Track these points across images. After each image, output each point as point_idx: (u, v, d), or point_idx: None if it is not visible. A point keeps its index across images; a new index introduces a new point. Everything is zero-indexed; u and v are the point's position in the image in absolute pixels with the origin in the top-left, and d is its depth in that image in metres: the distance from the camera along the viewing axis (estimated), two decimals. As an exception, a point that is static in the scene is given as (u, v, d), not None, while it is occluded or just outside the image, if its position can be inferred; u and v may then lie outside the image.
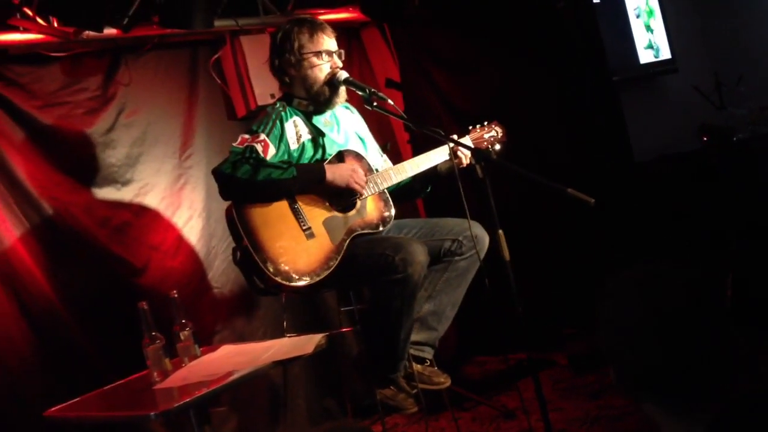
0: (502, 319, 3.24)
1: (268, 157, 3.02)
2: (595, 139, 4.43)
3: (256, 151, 2.98)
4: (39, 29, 3.37)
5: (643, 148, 4.66)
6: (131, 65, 3.85)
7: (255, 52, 4.04)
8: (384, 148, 3.57)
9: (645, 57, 5.28)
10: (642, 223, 4.29)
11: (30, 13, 3.32)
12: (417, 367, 3.17)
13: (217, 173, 3.00)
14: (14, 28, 3.36)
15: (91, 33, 3.38)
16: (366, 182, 3.13)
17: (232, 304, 4.01)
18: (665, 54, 5.37)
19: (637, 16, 5.28)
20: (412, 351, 3.16)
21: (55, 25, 3.39)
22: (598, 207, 2.62)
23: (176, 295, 2.99)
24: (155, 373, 2.82)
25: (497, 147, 3.40)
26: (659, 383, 1.29)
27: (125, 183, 3.78)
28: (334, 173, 3.06)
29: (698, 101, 4.99)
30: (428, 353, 3.23)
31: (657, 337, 1.29)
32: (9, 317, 3.30)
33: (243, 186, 2.94)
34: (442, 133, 3.09)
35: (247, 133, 3.08)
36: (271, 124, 3.09)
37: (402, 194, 3.37)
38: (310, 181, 3.03)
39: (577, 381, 4.01)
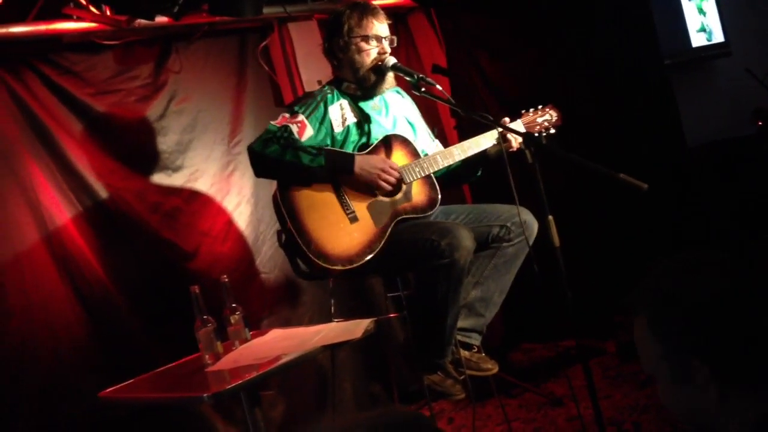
0: (551, 307, 3.21)
1: (304, 139, 3.04)
2: (646, 124, 4.36)
3: (290, 131, 3.01)
4: (92, 18, 3.43)
5: (695, 134, 4.57)
6: (181, 53, 3.90)
7: (302, 39, 4.06)
8: (432, 134, 3.56)
9: (697, 40, 5.18)
10: (694, 209, 4.21)
11: (83, 2, 3.38)
12: (464, 353, 3.16)
13: (249, 150, 3.07)
14: (68, 17, 3.42)
15: (143, 21, 3.42)
16: (401, 175, 3.10)
17: (279, 289, 4.05)
18: (718, 37, 5.25)
19: (689, -1, 5.17)
20: (459, 337, 3.15)
21: (108, 13, 3.44)
22: (650, 193, 2.58)
23: (227, 280, 3.03)
24: (207, 356, 2.86)
25: (552, 131, 3.35)
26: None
27: (176, 169, 3.83)
28: (363, 167, 3.04)
29: (752, 85, 4.87)
30: (475, 339, 3.22)
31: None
32: (64, 300, 3.38)
33: (270, 164, 2.98)
34: (491, 118, 3.06)
35: (287, 111, 3.11)
36: (314, 105, 3.11)
37: (450, 179, 3.36)
38: (338, 172, 3.04)
39: (626, 369, 3.96)
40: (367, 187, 3.08)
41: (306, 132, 3.04)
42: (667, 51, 4.66)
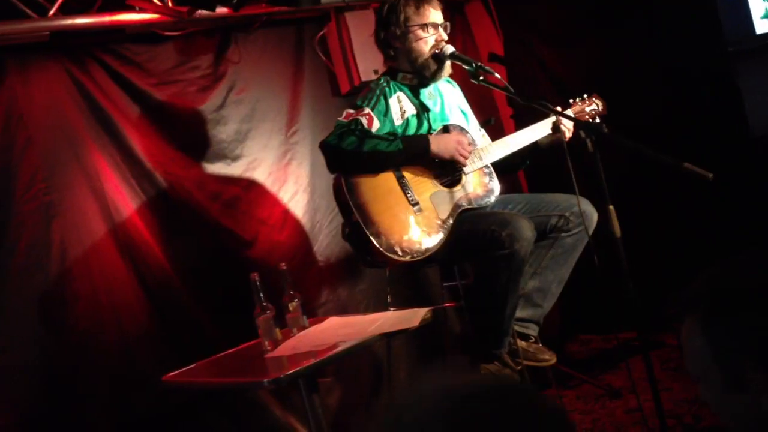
0: (610, 298, 3.17)
1: (373, 130, 3.05)
2: (710, 113, 4.26)
3: (361, 124, 3.01)
4: (154, 9, 3.49)
5: (760, 123, 4.44)
6: (240, 43, 3.94)
7: (359, 28, 4.06)
8: (486, 123, 3.54)
9: (762, 27, 5.02)
10: (758, 199, 4.10)
11: (146, -7, 3.44)
12: (521, 343, 3.15)
13: (324, 145, 3.05)
14: (131, 8, 3.48)
15: (204, 12, 3.47)
16: (471, 152, 3.11)
17: (335, 278, 4.08)
18: (784, 23, 5.08)
19: (754, -16, 5.02)
20: (516, 327, 3.14)
21: (170, 4, 3.50)
22: (714, 183, 2.52)
23: (285, 268, 3.06)
24: (266, 342, 2.90)
25: (597, 120, 3.34)
26: None
27: (234, 158, 3.88)
28: (439, 144, 3.06)
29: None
30: (533, 330, 3.21)
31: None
32: (128, 286, 3.46)
33: (349, 157, 2.98)
34: (550, 106, 3.04)
35: (351, 107, 3.11)
36: (375, 99, 3.11)
37: (501, 168, 3.34)
38: (416, 152, 3.04)
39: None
40: (431, 177, 3.08)
41: (374, 124, 3.04)
42: (731, 38, 4.53)
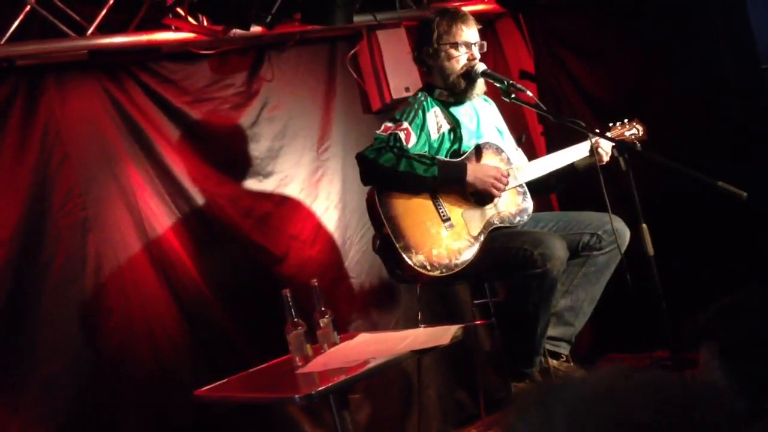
0: (642, 317, 3.15)
1: (410, 145, 3.06)
2: (744, 130, 4.21)
3: (400, 139, 3.03)
4: (190, 28, 3.55)
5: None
6: (274, 61, 3.99)
7: (391, 46, 4.09)
8: (519, 141, 3.54)
9: (796, 43, 4.97)
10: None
11: (182, 12, 3.50)
12: (552, 362, 3.14)
13: (361, 158, 3.07)
14: (167, 28, 3.54)
15: (238, 31, 3.52)
16: (508, 183, 3.10)
17: (366, 294, 4.09)
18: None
19: (789, 0, 4.97)
20: (548, 346, 3.13)
21: (205, 24, 3.55)
22: (749, 202, 2.50)
23: (316, 284, 3.08)
24: (297, 358, 2.91)
25: (638, 146, 3.31)
26: None
27: (267, 175, 3.91)
28: (476, 176, 3.05)
29: None
30: (564, 349, 3.19)
31: None
32: (161, 301, 3.50)
33: (384, 173, 3.00)
34: (582, 124, 3.04)
35: (390, 121, 3.13)
36: (413, 113, 3.13)
37: (537, 188, 3.34)
38: (451, 181, 3.05)
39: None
40: (464, 194, 3.09)
41: (411, 139, 3.06)
42: (764, 54, 4.49)
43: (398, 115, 3.12)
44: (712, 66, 4.22)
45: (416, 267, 2.91)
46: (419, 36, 3.25)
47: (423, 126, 3.11)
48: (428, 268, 2.93)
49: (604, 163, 3.05)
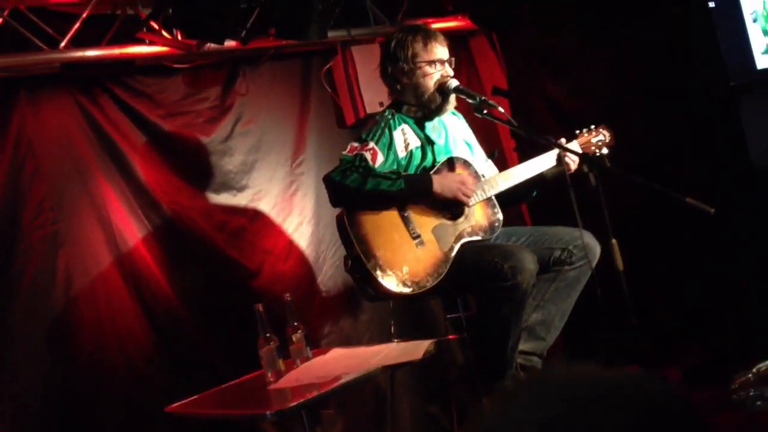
0: (612, 331, 3.17)
1: (377, 165, 3.06)
2: (712, 147, 4.28)
3: (365, 160, 3.03)
4: (164, 42, 3.55)
5: (761, 155, 4.47)
6: (248, 76, 4.00)
7: (365, 61, 4.11)
8: (491, 156, 3.56)
9: (762, 62, 5.07)
10: (761, 232, 4.11)
11: (156, 26, 3.50)
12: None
13: (328, 180, 3.07)
14: (141, 41, 3.54)
15: (213, 45, 3.53)
16: (474, 190, 3.12)
17: (339, 309, 4.09)
18: (785, 58, 5.13)
19: (754, 21, 5.06)
20: (519, 360, 3.13)
21: (179, 38, 3.55)
22: (717, 217, 2.54)
23: (290, 298, 3.08)
24: (269, 374, 2.90)
25: (605, 151, 3.34)
26: None
27: (240, 189, 3.91)
28: (442, 184, 3.07)
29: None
30: (536, 363, 3.20)
31: None
32: (132, 314, 3.49)
33: (351, 194, 3.00)
34: (552, 140, 3.07)
35: (356, 141, 3.13)
36: (380, 132, 3.13)
37: (507, 199, 3.35)
38: (418, 192, 3.06)
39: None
40: (433, 210, 3.10)
41: (378, 158, 3.06)
42: (733, 73, 4.58)
43: (364, 134, 3.13)
44: (685, 84, 4.29)
45: (388, 286, 2.91)
46: (390, 53, 3.22)
47: (390, 144, 3.11)
48: (400, 286, 2.93)
49: (572, 171, 3.08)
